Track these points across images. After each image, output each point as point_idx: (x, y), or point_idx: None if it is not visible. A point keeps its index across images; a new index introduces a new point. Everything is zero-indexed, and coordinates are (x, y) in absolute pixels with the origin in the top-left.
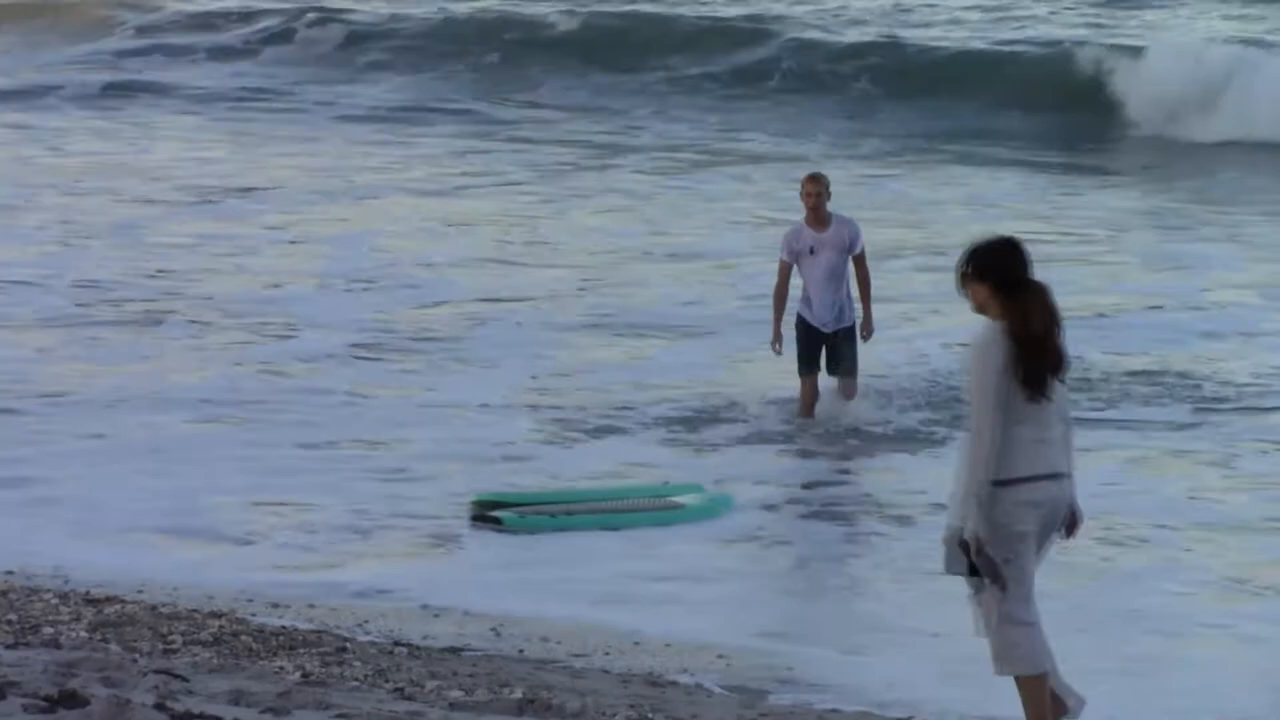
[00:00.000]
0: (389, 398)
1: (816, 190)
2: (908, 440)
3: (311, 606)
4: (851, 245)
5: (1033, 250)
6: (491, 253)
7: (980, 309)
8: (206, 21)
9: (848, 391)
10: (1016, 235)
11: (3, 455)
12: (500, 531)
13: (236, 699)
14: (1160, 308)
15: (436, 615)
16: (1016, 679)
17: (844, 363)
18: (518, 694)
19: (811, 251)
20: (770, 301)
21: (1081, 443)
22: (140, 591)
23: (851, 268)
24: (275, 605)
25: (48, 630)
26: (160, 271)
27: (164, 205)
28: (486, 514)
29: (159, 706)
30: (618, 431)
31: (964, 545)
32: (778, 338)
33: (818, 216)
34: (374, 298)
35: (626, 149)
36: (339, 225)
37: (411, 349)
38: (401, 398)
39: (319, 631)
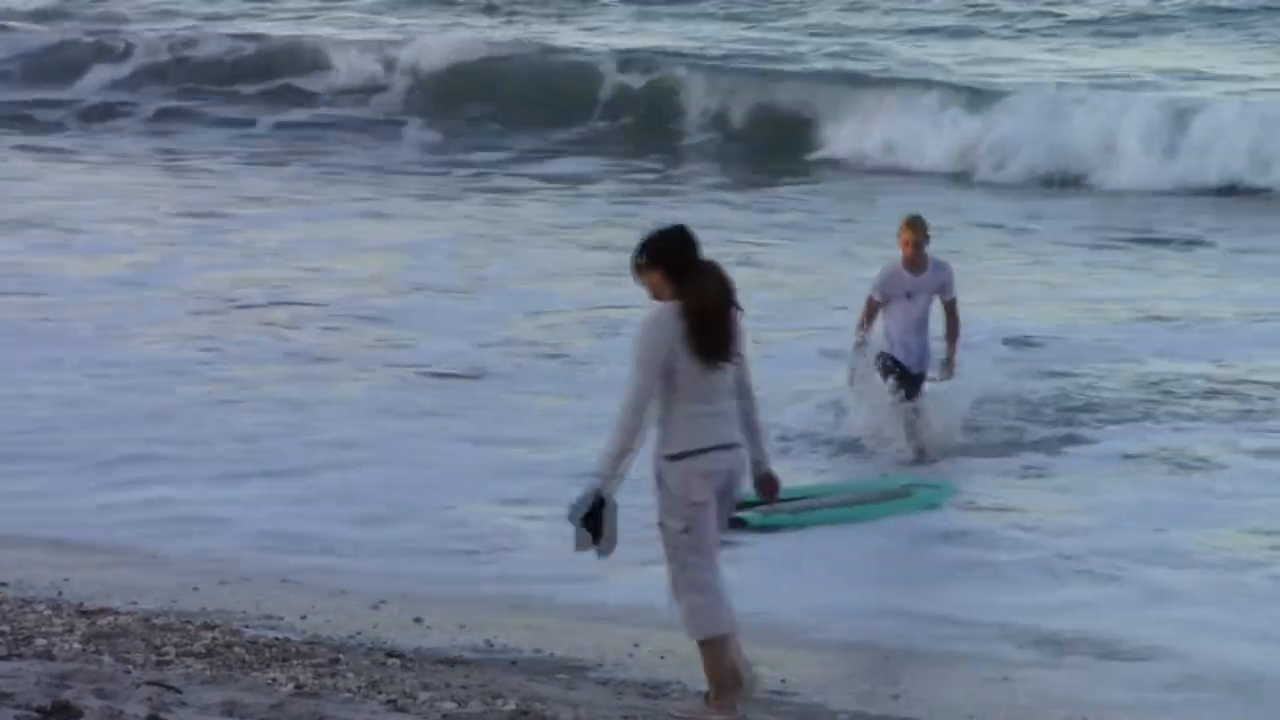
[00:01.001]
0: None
1: (915, 239)
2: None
3: (303, 618)
4: (944, 290)
5: None
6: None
7: (656, 295)
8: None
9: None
10: (684, 223)
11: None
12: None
13: (229, 710)
14: None
15: (429, 627)
16: (704, 644)
17: (919, 385)
18: (511, 705)
19: (908, 296)
20: (852, 336)
21: None
22: (133, 603)
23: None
24: (268, 616)
25: (41, 642)
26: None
27: None
28: (731, 516)
29: (152, 718)
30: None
31: (584, 508)
32: (854, 372)
33: (916, 262)
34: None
35: None
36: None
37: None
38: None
39: (312, 643)
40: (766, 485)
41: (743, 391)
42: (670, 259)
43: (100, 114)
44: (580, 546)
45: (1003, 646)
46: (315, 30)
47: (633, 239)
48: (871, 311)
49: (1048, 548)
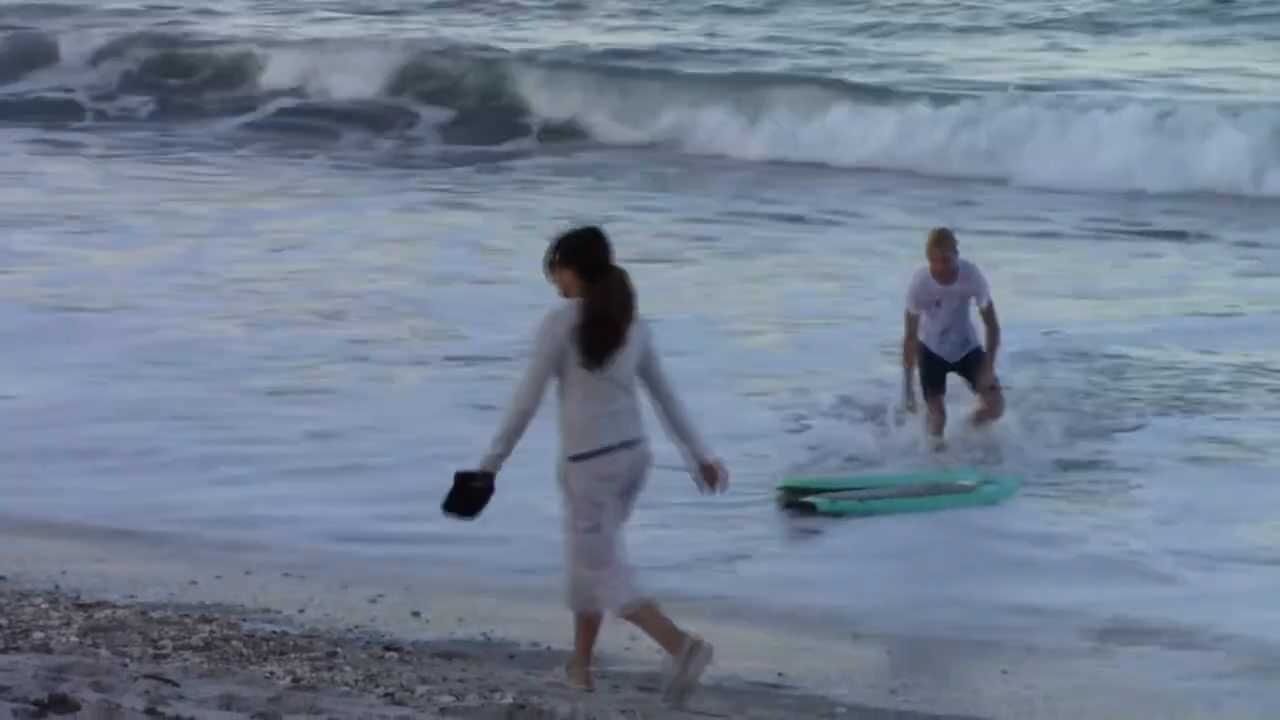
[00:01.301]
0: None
1: (944, 255)
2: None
3: (301, 611)
4: (977, 296)
5: None
6: None
7: (565, 293)
8: None
9: (993, 408)
10: (599, 225)
11: None
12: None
13: (227, 704)
14: None
15: (427, 620)
16: (633, 616)
17: (982, 377)
18: (508, 699)
19: (938, 304)
20: (899, 354)
21: None
22: (131, 596)
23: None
24: (266, 609)
25: (38, 635)
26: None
27: None
28: (799, 499)
29: (149, 711)
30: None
31: (467, 476)
32: (910, 395)
33: (945, 275)
34: None
35: None
36: None
37: None
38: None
39: (309, 636)
40: (709, 475)
41: (666, 393)
42: (583, 258)
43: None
44: (449, 509)
45: (1059, 637)
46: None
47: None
48: (914, 325)
49: (1099, 540)
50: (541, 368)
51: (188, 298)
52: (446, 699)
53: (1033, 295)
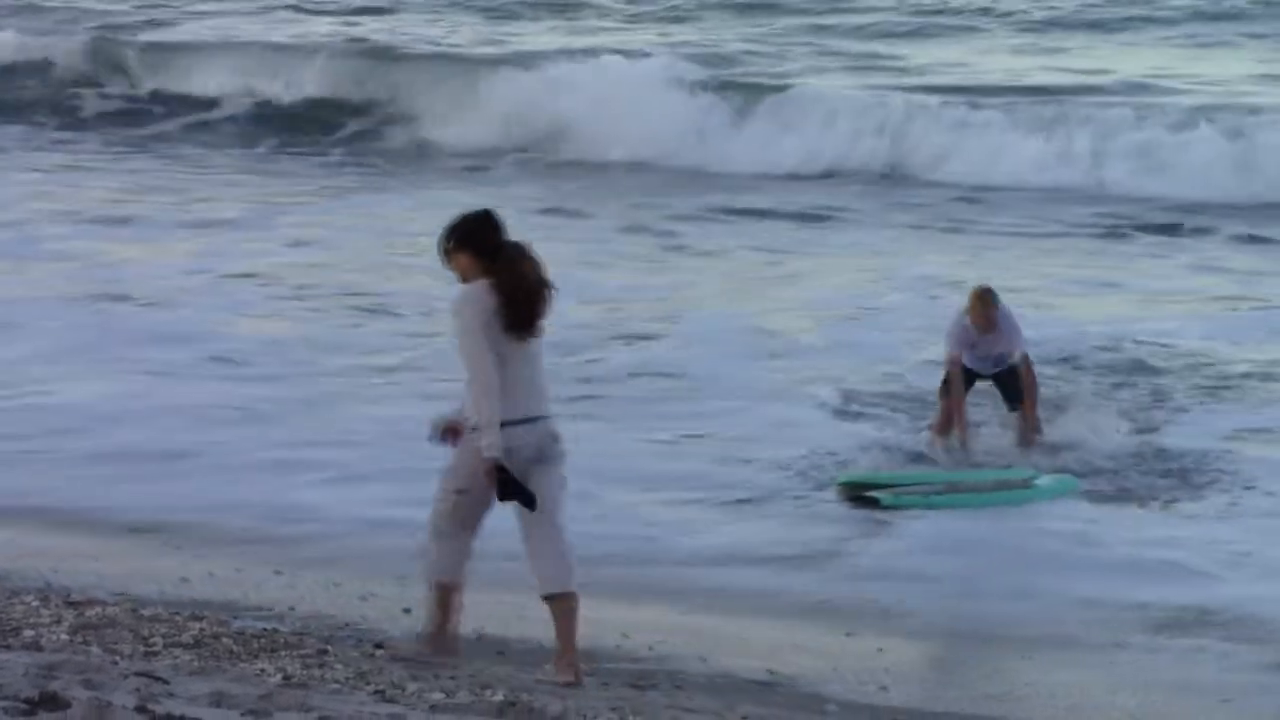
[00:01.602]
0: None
1: (986, 313)
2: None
3: (292, 609)
4: (1011, 349)
5: None
6: None
7: (464, 278)
8: None
9: (1032, 425)
10: (489, 206)
11: None
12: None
13: (217, 701)
14: None
15: (419, 617)
16: (438, 587)
17: (1016, 388)
18: (499, 696)
19: (973, 347)
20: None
21: None
22: (121, 594)
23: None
24: (257, 607)
25: (28, 633)
26: None
27: None
28: (863, 494)
29: (140, 709)
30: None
31: (498, 470)
32: (963, 430)
33: (988, 329)
34: None
35: None
36: None
37: None
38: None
39: (300, 634)
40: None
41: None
42: (478, 241)
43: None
44: (509, 496)
45: (1109, 631)
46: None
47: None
48: (959, 365)
49: (1150, 536)
50: (481, 347)
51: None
52: (437, 696)
53: (1063, 295)
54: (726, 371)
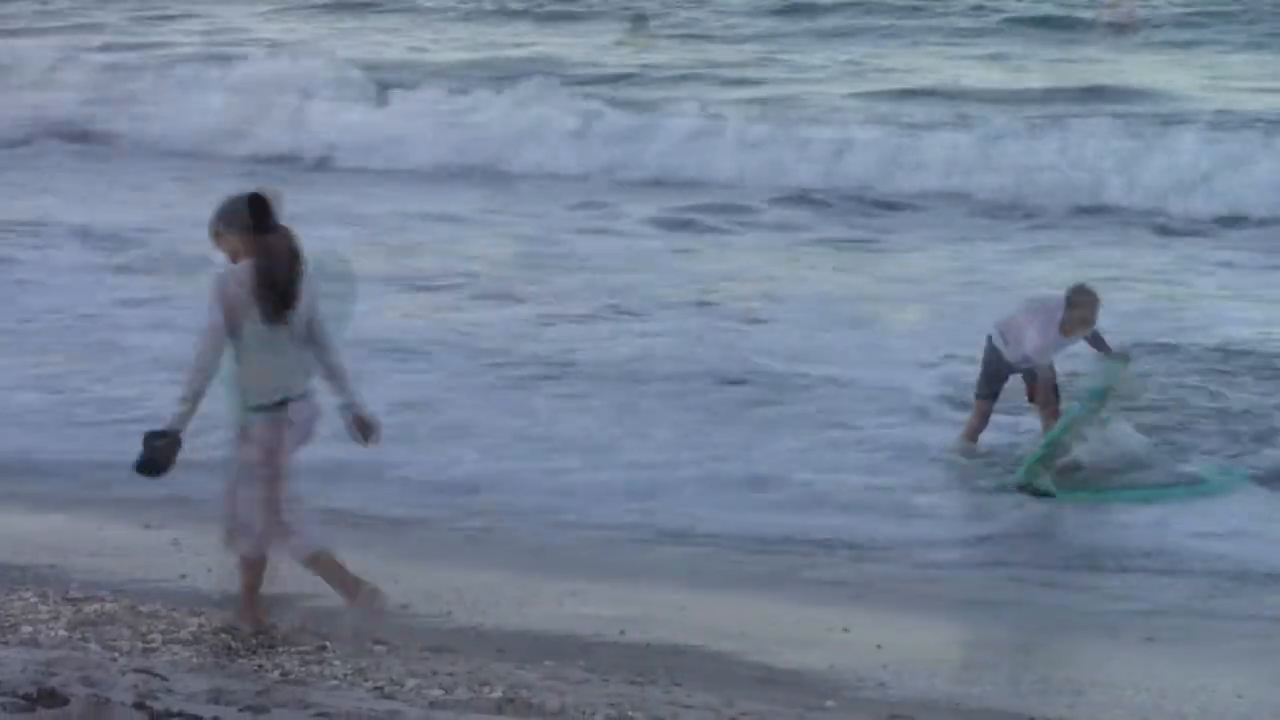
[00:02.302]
0: None
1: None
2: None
3: (291, 606)
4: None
5: None
6: None
7: (234, 258)
8: None
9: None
10: (261, 189)
11: None
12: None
13: (216, 697)
14: None
15: (416, 614)
16: (245, 563)
17: (1037, 382)
18: (497, 693)
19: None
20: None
21: None
22: (120, 590)
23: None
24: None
25: (27, 629)
26: None
27: None
28: (1036, 486)
29: (138, 705)
30: None
31: (153, 435)
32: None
33: (1085, 332)
34: None
35: None
36: None
37: None
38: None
39: (298, 630)
40: (362, 426)
41: (324, 345)
42: (244, 224)
43: None
44: (142, 469)
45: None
46: None
47: None
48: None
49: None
50: (219, 326)
51: None
52: (436, 693)
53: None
54: None
